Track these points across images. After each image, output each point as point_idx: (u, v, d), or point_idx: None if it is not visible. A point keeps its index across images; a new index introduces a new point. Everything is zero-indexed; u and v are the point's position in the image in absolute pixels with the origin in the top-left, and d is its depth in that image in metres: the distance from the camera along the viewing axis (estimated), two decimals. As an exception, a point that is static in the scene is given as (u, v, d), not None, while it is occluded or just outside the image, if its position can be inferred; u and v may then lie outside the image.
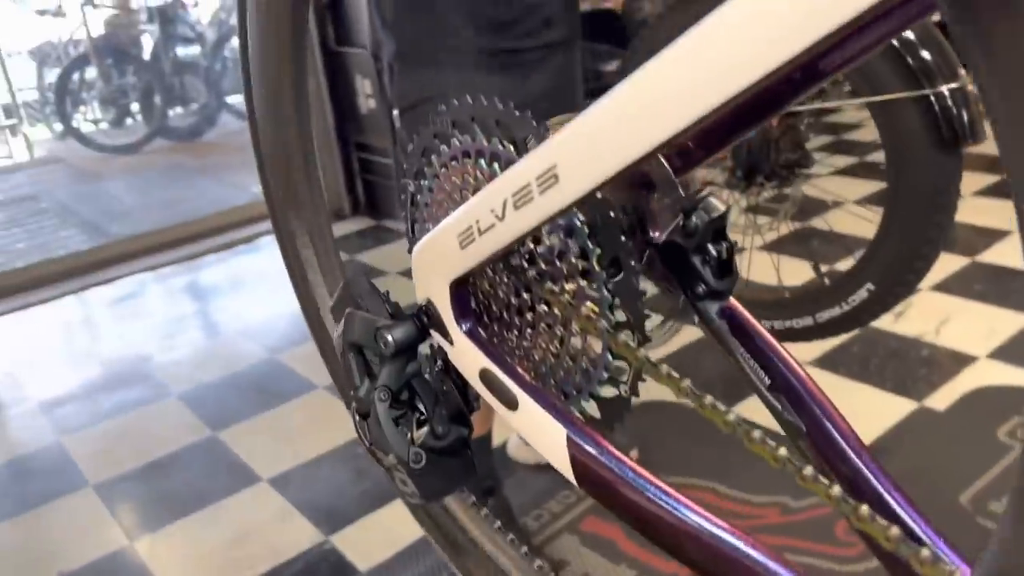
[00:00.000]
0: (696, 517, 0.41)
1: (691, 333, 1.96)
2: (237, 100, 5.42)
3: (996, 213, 2.64)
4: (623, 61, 1.44)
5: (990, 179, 2.92)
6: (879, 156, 1.22)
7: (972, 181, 2.90)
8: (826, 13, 0.28)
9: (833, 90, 1.39)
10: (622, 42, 3.38)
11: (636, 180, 0.47)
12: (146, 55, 5.43)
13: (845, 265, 1.88)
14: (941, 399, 1.79)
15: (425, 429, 0.53)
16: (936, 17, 0.31)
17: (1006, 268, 2.34)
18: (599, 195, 0.43)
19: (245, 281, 2.93)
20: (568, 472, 0.44)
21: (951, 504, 1.48)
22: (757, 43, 0.29)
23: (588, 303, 0.44)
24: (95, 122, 5.54)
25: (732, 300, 0.48)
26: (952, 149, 1.12)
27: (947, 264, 2.36)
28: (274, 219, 0.80)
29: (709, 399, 0.44)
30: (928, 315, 2.13)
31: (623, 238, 0.43)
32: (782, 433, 0.50)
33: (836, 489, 0.40)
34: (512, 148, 0.46)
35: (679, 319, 1.51)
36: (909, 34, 1.10)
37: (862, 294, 1.21)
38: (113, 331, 2.66)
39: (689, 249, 0.46)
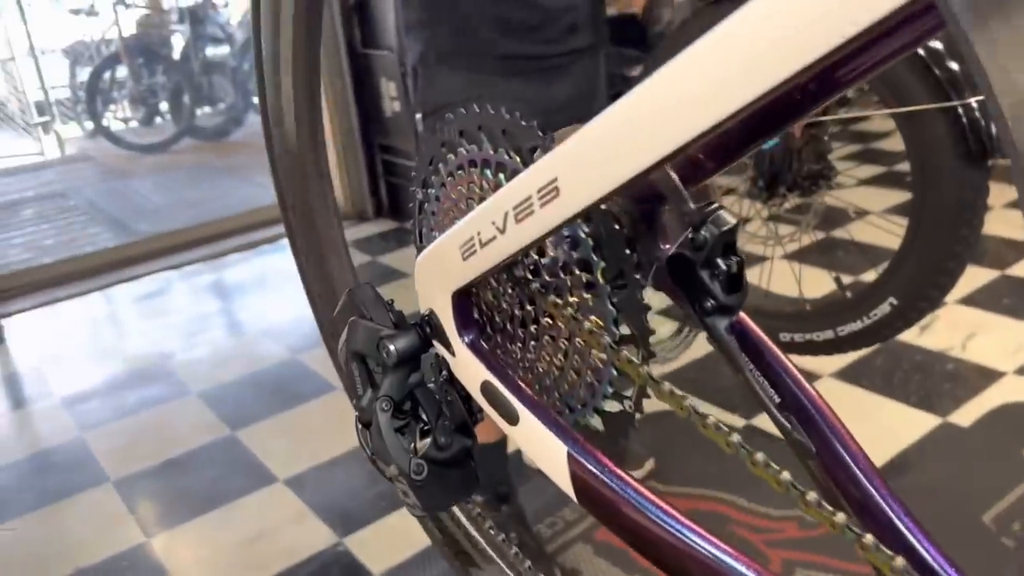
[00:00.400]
0: (701, 541, 0.40)
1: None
2: (265, 101, 5.44)
3: (1027, 226, 2.59)
4: (642, 71, 1.43)
5: (1022, 191, 2.86)
6: (907, 166, 1.20)
7: (1003, 193, 2.84)
8: (835, 25, 0.27)
9: (859, 100, 1.36)
10: (649, 47, 3.37)
11: (644, 191, 0.46)
12: (176, 55, 5.50)
13: (868, 277, 1.85)
14: (966, 415, 1.76)
15: (428, 440, 0.52)
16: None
17: (1036, 282, 2.30)
18: (603, 207, 0.42)
19: (268, 281, 2.95)
20: (568, 489, 0.43)
21: (973, 523, 1.45)
22: (764, 55, 0.29)
23: (592, 317, 0.44)
24: (125, 121, 5.62)
25: (742, 315, 0.47)
26: (979, 162, 1.09)
27: (975, 277, 2.32)
28: (286, 223, 0.80)
29: (712, 419, 0.43)
30: (954, 329, 2.09)
31: (628, 251, 0.43)
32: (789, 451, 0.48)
33: (841, 516, 0.39)
34: (518, 159, 0.46)
35: (696, 326, 1.49)
36: (936, 44, 1.08)
37: (884, 308, 1.18)
38: (137, 328, 2.69)
39: (698, 263, 0.45)
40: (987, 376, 1.88)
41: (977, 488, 1.54)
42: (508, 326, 0.50)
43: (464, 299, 0.49)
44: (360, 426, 0.54)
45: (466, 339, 0.49)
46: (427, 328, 0.52)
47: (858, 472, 0.42)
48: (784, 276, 1.62)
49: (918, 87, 1.09)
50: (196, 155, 5.32)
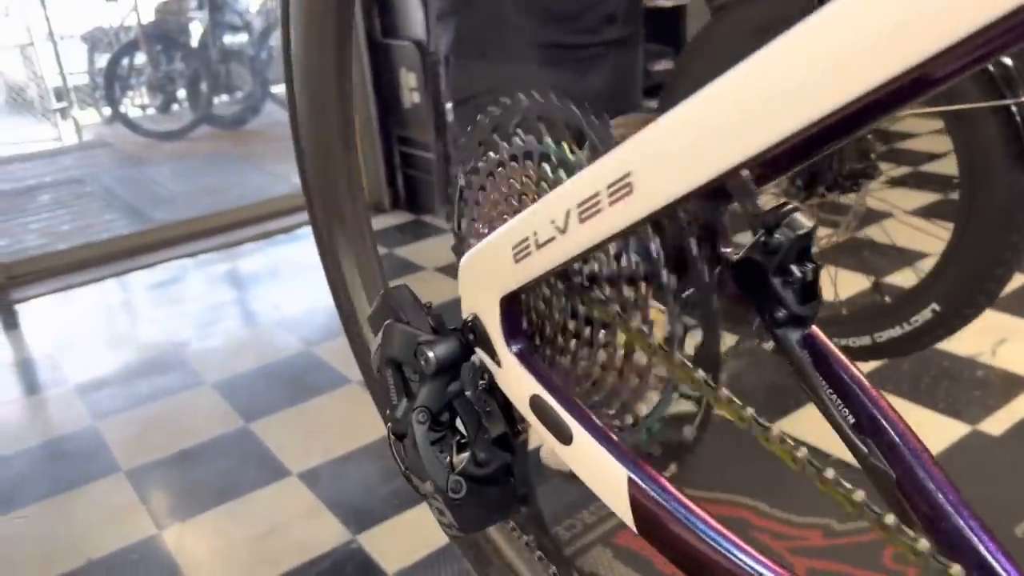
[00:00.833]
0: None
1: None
2: (282, 89, 5.43)
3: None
4: (680, 59, 1.39)
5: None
6: (933, 166, 1.15)
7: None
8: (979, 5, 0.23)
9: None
10: (673, 41, 3.32)
11: (710, 189, 0.42)
12: (194, 42, 5.49)
13: (903, 280, 1.79)
14: (996, 423, 1.71)
15: (466, 454, 0.48)
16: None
17: (1070, 288, 2.24)
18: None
19: (284, 271, 2.93)
20: (627, 517, 0.39)
21: (1006, 535, 1.40)
22: (894, 37, 0.24)
23: (656, 331, 0.40)
24: (142, 107, 5.62)
25: (814, 328, 0.43)
26: (1033, 164, 1.04)
27: (1007, 281, 2.26)
28: (311, 214, 0.77)
29: (777, 431, 0.39)
30: (984, 334, 2.03)
31: (696, 252, 0.39)
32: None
33: (924, 543, 0.35)
34: (583, 156, 0.42)
35: (755, 337, 1.45)
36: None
37: (926, 315, 1.13)
38: (151, 316, 2.67)
39: (770, 269, 0.41)
40: (1018, 384, 1.83)
41: (1009, 499, 1.49)
42: (558, 336, 0.46)
43: (514, 305, 0.45)
44: (393, 438, 0.50)
45: (514, 349, 0.45)
46: (470, 335, 0.48)
47: (946, 503, 0.38)
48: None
49: (969, 84, 1.04)
50: (213, 143, 5.31)
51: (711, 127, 0.29)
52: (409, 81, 3.03)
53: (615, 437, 0.41)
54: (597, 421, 0.41)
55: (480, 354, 0.49)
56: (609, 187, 0.34)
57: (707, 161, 0.29)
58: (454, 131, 1.22)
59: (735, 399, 0.37)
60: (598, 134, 0.40)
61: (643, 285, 0.41)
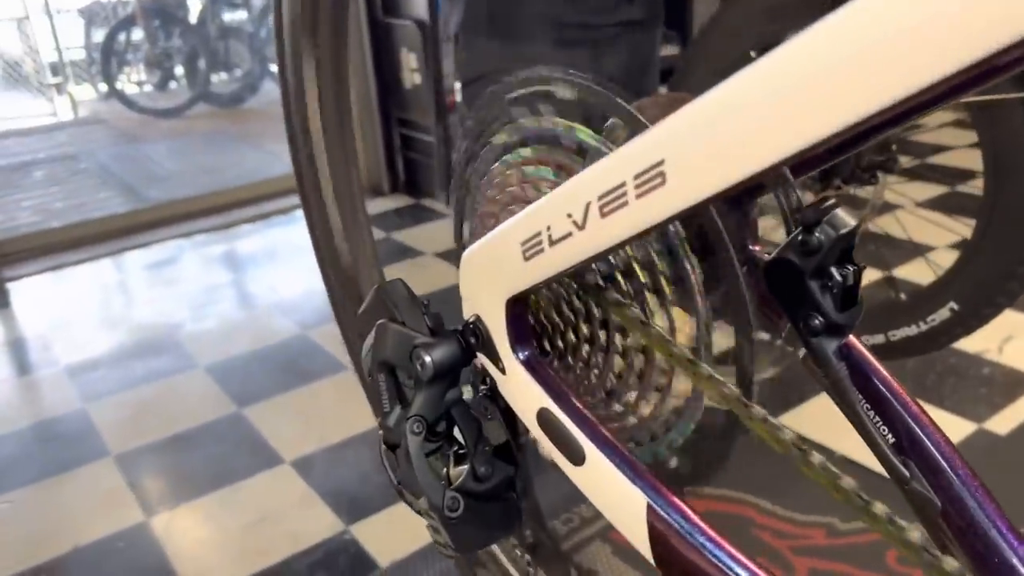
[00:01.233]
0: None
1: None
2: (281, 68, 5.38)
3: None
4: (693, 44, 1.34)
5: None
6: (940, 159, 1.11)
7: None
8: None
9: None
10: (679, 25, 3.26)
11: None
12: (192, 19, 5.42)
13: (916, 273, 1.75)
14: (1002, 422, 1.68)
15: (464, 467, 0.44)
16: None
17: (1079, 285, 2.20)
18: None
19: (281, 253, 2.89)
20: (644, 547, 0.35)
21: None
22: (971, 23, 0.21)
23: (681, 339, 0.35)
24: (139, 84, 5.56)
25: (851, 338, 0.39)
26: (1063, 159, 1.00)
27: (1015, 277, 2.22)
28: (302, 194, 0.72)
29: (818, 458, 0.35)
30: (991, 331, 1.98)
31: (732, 253, 0.34)
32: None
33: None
34: (606, 144, 0.37)
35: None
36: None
37: (943, 313, 1.09)
38: (145, 297, 2.63)
39: (807, 271, 0.36)
40: (1026, 382, 1.80)
41: (1015, 499, 1.46)
42: (571, 343, 0.42)
43: (521, 307, 0.40)
44: (384, 447, 0.46)
45: (521, 356, 0.41)
46: (471, 338, 0.43)
47: (999, 539, 0.34)
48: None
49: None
50: (210, 121, 5.25)
51: (765, 111, 0.25)
52: (410, 62, 2.97)
53: (633, 458, 0.37)
54: (614, 440, 0.37)
55: (482, 359, 0.44)
56: (637, 177, 0.29)
57: (756, 150, 0.25)
58: (462, 111, 1.18)
59: (771, 419, 0.33)
60: (625, 116, 0.35)
61: (666, 285, 0.37)
